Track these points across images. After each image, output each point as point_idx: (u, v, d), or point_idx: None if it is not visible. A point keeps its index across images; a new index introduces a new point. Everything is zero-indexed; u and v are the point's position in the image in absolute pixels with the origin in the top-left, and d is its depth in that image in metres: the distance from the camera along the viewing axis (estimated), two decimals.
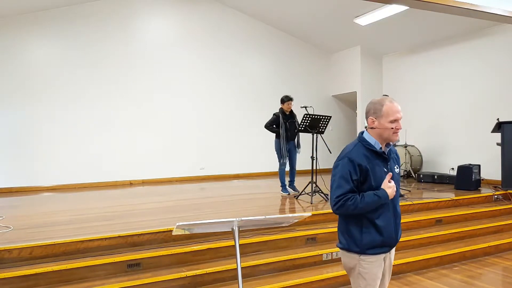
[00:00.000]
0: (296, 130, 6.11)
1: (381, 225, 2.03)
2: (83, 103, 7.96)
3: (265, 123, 6.25)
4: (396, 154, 2.23)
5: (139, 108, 8.43)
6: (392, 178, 2.07)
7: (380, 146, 2.07)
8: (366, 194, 1.98)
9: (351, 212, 2.00)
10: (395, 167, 2.16)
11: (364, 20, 8.03)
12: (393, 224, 2.09)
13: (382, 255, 2.10)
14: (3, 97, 7.38)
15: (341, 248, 2.16)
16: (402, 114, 2.05)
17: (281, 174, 6.29)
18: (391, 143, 2.12)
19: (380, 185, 2.02)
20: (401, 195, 5.83)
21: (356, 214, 2.03)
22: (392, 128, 2.00)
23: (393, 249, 2.24)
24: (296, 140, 6.27)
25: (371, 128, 2.07)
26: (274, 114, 6.21)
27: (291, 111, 6.23)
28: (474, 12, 5.03)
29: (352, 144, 2.12)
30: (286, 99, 6.14)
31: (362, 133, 2.13)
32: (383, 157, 2.08)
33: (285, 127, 6.07)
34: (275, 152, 6.28)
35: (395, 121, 2.00)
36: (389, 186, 2.00)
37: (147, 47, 8.53)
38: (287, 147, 6.11)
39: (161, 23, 8.74)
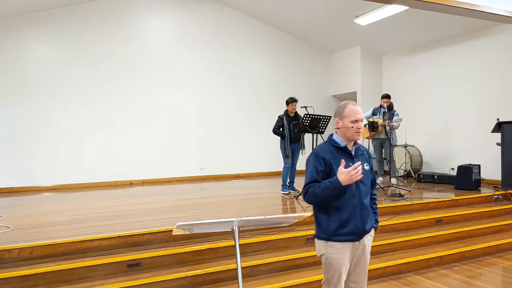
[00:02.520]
0: (296, 130, 6.12)
1: (346, 214, 2.26)
2: (83, 103, 7.96)
3: (272, 129, 6.29)
4: (367, 153, 2.48)
5: (139, 108, 8.43)
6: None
7: (345, 144, 2.33)
8: (322, 182, 2.25)
9: (313, 199, 2.27)
10: (365, 165, 2.38)
11: (364, 20, 8.03)
12: (358, 215, 2.29)
13: (349, 243, 2.30)
14: (3, 97, 7.38)
15: (314, 237, 2.42)
16: (362, 116, 2.32)
17: (284, 174, 6.34)
18: (357, 142, 2.39)
19: None
20: (401, 195, 5.83)
21: (324, 204, 2.29)
22: (353, 127, 2.27)
23: (369, 238, 2.41)
24: (301, 141, 6.29)
25: (338, 128, 2.36)
26: (278, 117, 6.26)
27: (296, 113, 6.28)
28: (474, 12, 5.04)
29: (322, 143, 2.46)
30: (290, 101, 6.20)
31: (331, 134, 2.42)
32: (348, 153, 2.34)
33: (289, 128, 6.11)
34: (280, 153, 6.31)
35: (356, 121, 2.27)
36: (341, 172, 2.17)
37: (147, 47, 8.53)
38: (291, 148, 6.14)
39: (161, 23, 8.74)
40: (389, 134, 6.84)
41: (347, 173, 2.14)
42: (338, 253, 2.28)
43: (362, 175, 2.18)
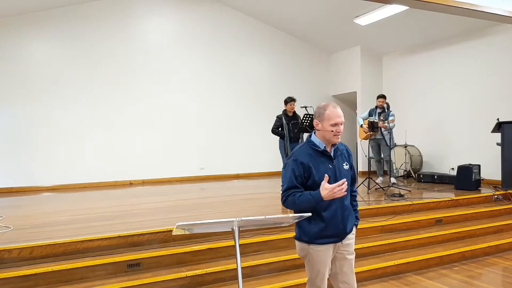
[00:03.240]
0: (296, 130, 6.12)
1: (327, 217, 2.25)
2: (83, 103, 7.96)
3: (271, 128, 6.27)
4: (347, 151, 2.44)
5: (139, 108, 8.43)
6: (339, 174, 2.28)
7: (324, 146, 2.29)
8: (303, 193, 2.21)
9: (292, 207, 2.24)
10: (344, 164, 2.37)
11: (364, 20, 8.03)
12: (340, 217, 2.28)
13: (330, 245, 2.31)
14: (3, 97, 7.38)
15: (295, 238, 2.42)
16: (343, 119, 2.27)
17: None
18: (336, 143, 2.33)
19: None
20: (401, 195, 5.83)
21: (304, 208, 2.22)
22: (332, 131, 2.23)
23: (350, 237, 2.39)
24: (300, 141, 6.28)
25: (317, 130, 2.30)
26: (277, 117, 6.25)
27: (294, 112, 6.28)
28: (474, 12, 5.04)
29: (300, 145, 2.39)
30: (289, 100, 6.21)
31: (310, 135, 2.37)
32: (327, 156, 2.30)
33: (288, 128, 6.10)
34: (280, 153, 6.30)
35: (336, 124, 2.23)
36: (325, 188, 2.12)
37: (147, 47, 8.53)
38: (290, 148, 6.13)
39: (161, 23, 8.73)
40: (389, 133, 6.83)
41: (330, 190, 2.10)
42: (321, 256, 2.30)
43: (345, 192, 2.15)
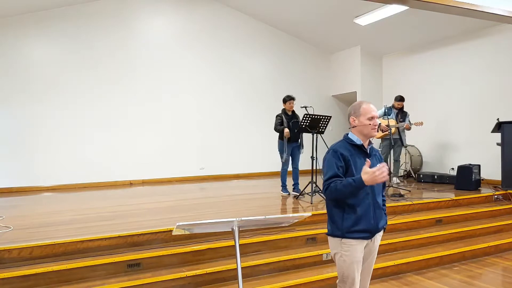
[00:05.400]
0: (296, 130, 6.09)
1: (360, 212, 2.29)
2: (84, 103, 7.96)
3: (274, 127, 6.22)
4: (379, 154, 2.54)
5: (139, 108, 8.43)
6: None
7: (362, 142, 2.38)
8: (344, 179, 2.25)
9: (334, 194, 2.26)
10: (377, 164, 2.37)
11: (364, 20, 8.03)
12: (372, 212, 2.32)
13: (363, 241, 2.34)
14: (3, 97, 7.37)
15: (328, 235, 2.43)
16: (377, 114, 2.38)
17: (282, 174, 6.27)
18: (371, 141, 2.45)
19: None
20: (401, 195, 5.83)
21: (339, 202, 2.31)
22: (370, 124, 2.33)
23: (378, 238, 2.45)
24: (299, 140, 6.25)
25: (353, 127, 2.40)
26: (277, 116, 6.19)
27: (293, 112, 6.23)
28: (474, 12, 5.04)
29: (337, 142, 2.48)
30: (288, 99, 6.14)
31: (347, 134, 2.46)
32: (364, 151, 2.39)
33: (288, 126, 6.05)
34: (278, 153, 6.26)
35: (372, 118, 2.34)
36: (366, 172, 2.14)
37: (147, 47, 8.53)
38: (289, 148, 6.10)
39: (161, 23, 8.73)
40: (401, 134, 7.20)
41: (371, 173, 2.10)
42: (353, 251, 2.31)
43: (387, 177, 2.16)
